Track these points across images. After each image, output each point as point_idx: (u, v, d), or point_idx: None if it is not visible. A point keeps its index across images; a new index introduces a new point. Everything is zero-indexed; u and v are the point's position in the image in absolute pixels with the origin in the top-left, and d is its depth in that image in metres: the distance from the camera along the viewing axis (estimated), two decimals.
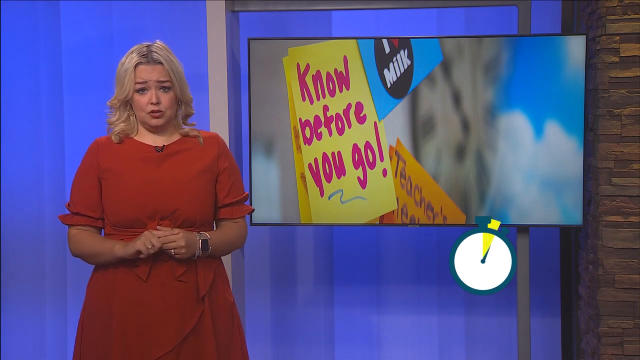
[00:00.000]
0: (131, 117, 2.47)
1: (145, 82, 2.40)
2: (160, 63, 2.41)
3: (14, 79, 3.79)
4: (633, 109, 3.03)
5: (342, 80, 3.24)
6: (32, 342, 3.86)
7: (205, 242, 2.41)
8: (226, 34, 3.29)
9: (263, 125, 3.29)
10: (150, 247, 2.32)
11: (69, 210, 2.49)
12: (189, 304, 2.40)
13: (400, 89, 3.23)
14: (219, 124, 3.28)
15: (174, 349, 2.37)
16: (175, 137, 2.50)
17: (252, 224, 3.34)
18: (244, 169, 3.48)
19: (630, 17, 3.00)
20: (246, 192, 2.59)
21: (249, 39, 3.28)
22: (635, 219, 3.05)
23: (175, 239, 2.35)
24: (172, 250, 2.35)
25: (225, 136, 3.28)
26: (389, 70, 3.21)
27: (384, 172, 3.27)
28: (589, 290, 3.23)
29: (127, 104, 2.46)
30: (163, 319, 2.37)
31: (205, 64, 3.36)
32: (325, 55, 3.23)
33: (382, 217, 3.29)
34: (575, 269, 3.57)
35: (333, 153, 3.28)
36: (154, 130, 2.47)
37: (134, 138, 2.48)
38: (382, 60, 3.21)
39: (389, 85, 3.22)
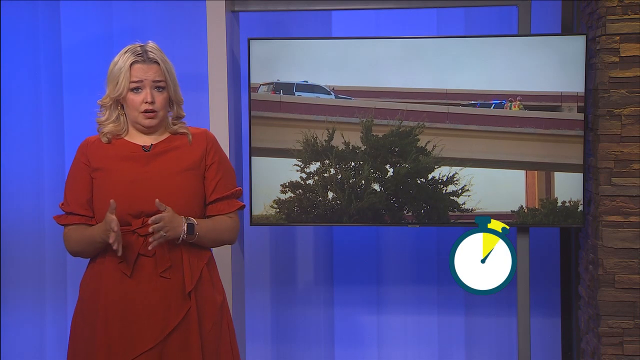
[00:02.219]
0: (121, 117, 2.47)
1: (141, 81, 2.40)
2: (156, 63, 2.42)
3: (14, 79, 3.79)
4: (633, 109, 3.03)
5: None
6: (32, 342, 3.86)
7: (191, 226, 2.37)
8: (226, 34, 3.29)
9: (263, 125, 3.29)
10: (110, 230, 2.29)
11: (63, 210, 2.49)
12: (175, 301, 2.39)
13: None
14: (219, 124, 3.28)
15: (158, 345, 2.36)
16: (164, 136, 2.49)
17: (252, 224, 3.34)
18: (244, 169, 3.49)
19: (630, 17, 3.00)
20: (238, 188, 2.56)
21: (249, 39, 3.28)
22: (635, 219, 3.05)
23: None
24: (151, 227, 2.30)
25: (225, 136, 3.28)
26: None
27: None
28: (589, 290, 3.23)
29: (118, 103, 2.46)
30: (146, 315, 2.37)
31: (205, 64, 3.36)
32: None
33: (382, 217, 3.29)
34: (575, 269, 3.57)
35: None
36: (145, 130, 2.47)
37: (124, 138, 2.48)
38: None
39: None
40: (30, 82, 3.80)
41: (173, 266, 2.39)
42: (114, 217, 2.29)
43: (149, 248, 2.32)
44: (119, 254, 2.31)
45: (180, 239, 2.37)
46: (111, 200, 2.30)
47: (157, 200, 2.31)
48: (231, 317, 2.57)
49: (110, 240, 2.28)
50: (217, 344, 2.47)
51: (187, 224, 2.37)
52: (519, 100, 3.18)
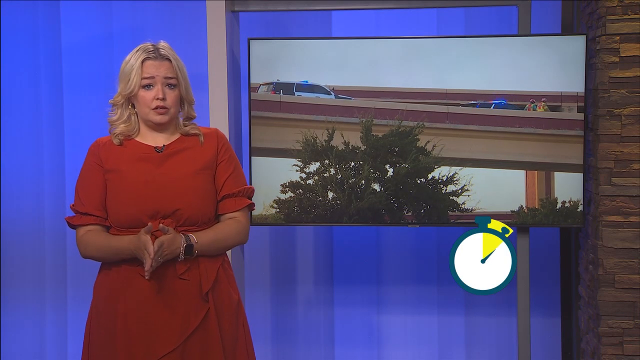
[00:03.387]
0: (132, 117, 2.46)
1: (153, 77, 2.39)
2: (168, 60, 2.42)
3: (14, 79, 3.80)
4: (633, 109, 3.03)
5: None
6: (32, 342, 3.86)
7: (189, 247, 2.35)
8: (226, 34, 3.30)
9: (263, 125, 3.29)
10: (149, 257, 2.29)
11: (75, 211, 2.46)
12: (193, 302, 2.39)
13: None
14: (219, 123, 3.28)
15: (179, 347, 2.36)
16: (176, 136, 2.49)
17: (251, 224, 3.34)
18: (244, 169, 3.48)
19: (630, 17, 3.00)
20: (249, 187, 2.55)
21: (249, 39, 3.28)
22: (635, 219, 3.05)
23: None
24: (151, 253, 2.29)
25: (225, 136, 3.28)
26: None
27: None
28: (589, 290, 3.23)
29: (130, 102, 2.45)
30: (166, 317, 2.36)
31: (205, 64, 3.36)
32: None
33: (382, 217, 3.29)
34: (575, 269, 3.57)
35: None
36: (156, 128, 2.46)
37: (135, 139, 2.47)
38: None
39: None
40: (30, 82, 3.80)
41: (190, 268, 2.39)
42: (149, 238, 2.27)
43: (146, 277, 2.29)
44: (148, 277, 2.28)
45: (180, 258, 2.35)
46: (149, 224, 2.30)
47: (160, 224, 2.30)
48: (246, 315, 2.57)
49: (147, 268, 2.26)
50: (234, 343, 2.47)
51: (185, 245, 2.35)
52: (543, 102, 3.17)
